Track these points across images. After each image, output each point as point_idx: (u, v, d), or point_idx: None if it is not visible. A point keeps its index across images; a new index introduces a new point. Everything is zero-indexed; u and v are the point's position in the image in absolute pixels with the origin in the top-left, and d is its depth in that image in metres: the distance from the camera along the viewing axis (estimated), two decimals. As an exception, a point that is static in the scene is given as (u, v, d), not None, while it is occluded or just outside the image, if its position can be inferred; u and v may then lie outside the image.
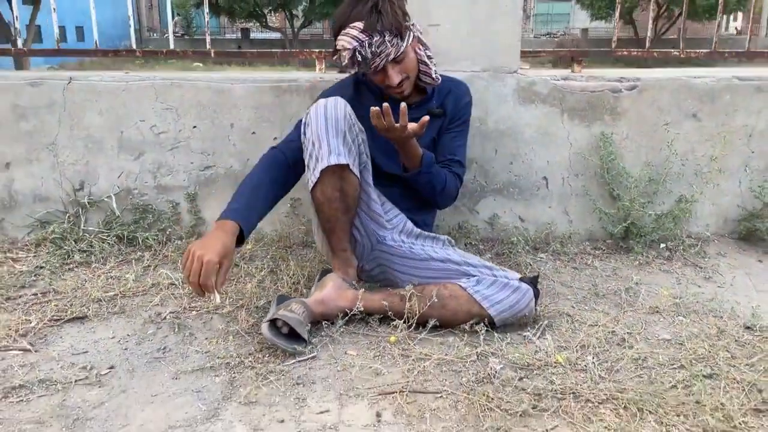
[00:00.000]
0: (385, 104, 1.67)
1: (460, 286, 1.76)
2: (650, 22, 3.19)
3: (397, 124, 1.69)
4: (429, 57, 1.90)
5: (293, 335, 1.63)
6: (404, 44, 1.80)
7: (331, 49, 1.91)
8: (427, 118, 1.73)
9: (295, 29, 22.27)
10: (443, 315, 1.74)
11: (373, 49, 1.76)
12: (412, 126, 1.71)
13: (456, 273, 1.82)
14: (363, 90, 1.98)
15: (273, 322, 1.63)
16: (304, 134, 1.76)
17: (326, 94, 1.96)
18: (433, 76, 1.92)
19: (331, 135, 1.71)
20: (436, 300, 1.72)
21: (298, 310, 1.67)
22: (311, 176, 1.75)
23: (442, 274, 1.83)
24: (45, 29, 17.84)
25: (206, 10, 2.44)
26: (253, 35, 25.11)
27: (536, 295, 1.79)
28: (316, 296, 1.77)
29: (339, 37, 1.81)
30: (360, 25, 1.76)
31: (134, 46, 2.51)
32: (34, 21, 15.37)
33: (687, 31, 23.69)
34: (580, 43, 22.56)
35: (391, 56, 1.79)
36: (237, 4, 19.12)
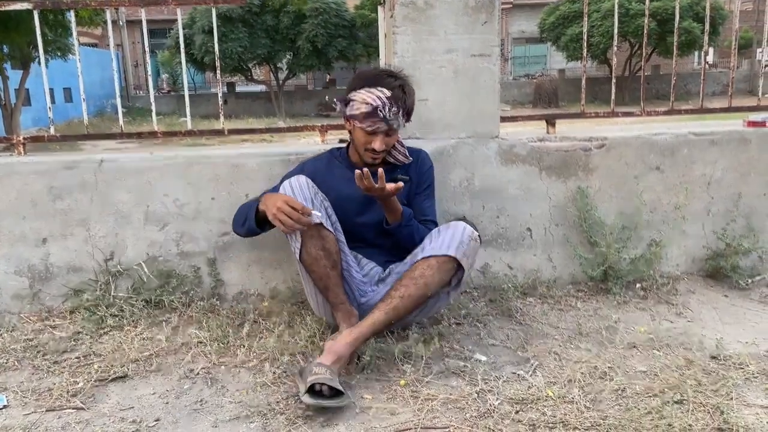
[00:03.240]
0: (365, 169, 1.98)
1: (416, 259, 2.03)
2: (614, 63, 3.49)
3: (377, 185, 1.99)
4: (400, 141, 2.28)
5: (333, 393, 1.77)
6: (404, 125, 2.17)
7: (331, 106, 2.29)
8: (401, 184, 2.03)
9: (280, 82, 22.81)
10: (418, 283, 1.98)
11: (389, 116, 2.08)
12: (389, 186, 2.01)
13: (410, 262, 2.08)
14: (335, 162, 2.32)
15: (312, 389, 1.76)
16: None
17: (303, 163, 2.37)
18: (406, 155, 2.27)
19: (301, 201, 1.99)
20: (405, 279, 1.99)
21: (320, 370, 1.81)
22: (296, 246, 2.02)
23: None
24: (34, 91, 18.21)
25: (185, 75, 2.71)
26: (238, 89, 25.61)
27: (470, 224, 2.06)
28: (325, 352, 1.93)
29: (362, 91, 2.11)
30: (388, 92, 2.08)
31: (121, 118, 2.80)
32: (23, 84, 15.68)
33: (660, 69, 24.46)
34: (558, 83, 23.18)
35: (393, 127, 2.12)
36: (222, 60, 19.61)
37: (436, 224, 2.27)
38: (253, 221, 2.12)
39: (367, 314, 2.01)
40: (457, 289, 2.14)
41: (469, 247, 2.01)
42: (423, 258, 2.00)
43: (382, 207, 2.13)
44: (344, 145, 2.40)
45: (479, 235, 2.08)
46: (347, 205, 2.21)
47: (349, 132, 2.25)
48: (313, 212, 1.99)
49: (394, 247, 2.24)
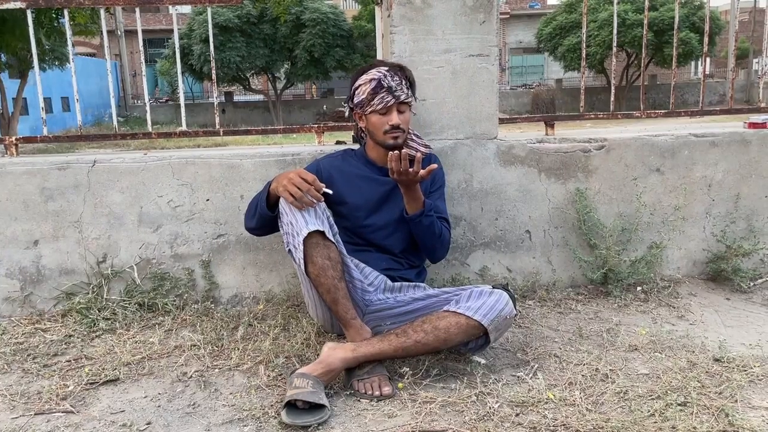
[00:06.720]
0: (404, 151, 1.99)
1: (445, 309, 1.95)
2: (614, 70, 3.48)
3: (411, 169, 1.99)
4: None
5: (313, 407, 1.72)
6: (412, 96, 2.19)
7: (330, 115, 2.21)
8: (434, 165, 2.03)
9: (278, 91, 22.83)
10: (438, 337, 1.90)
11: (393, 85, 2.11)
12: (421, 172, 2.01)
13: (438, 302, 2.03)
14: (350, 161, 2.29)
15: (288, 404, 1.72)
16: (282, 225, 2.01)
17: (318, 161, 2.32)
18: (426, 144, 2.26)
19: (303, 212, 1.95)
20: (427, 324, 1.90)
21: (301, 383, 1.76)
22: (299, 256, 1.93)
23: (428, 310, 2.01)
24: (32, 100, 18.19)
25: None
26: (236, 98, 25.61)
27: (512, 298, 1.98)
28: (317, 361, 1.87)
29: (362, 76, 2.17)
30: (385, 68, 2.15)
31: (115, 120, 2.78)
32: (21, 94, 15.69)
33: (657, 78, 24.55)
34: (555, 93, 23.26)
35: (402, 97, 2.13)
36: (221, 70, 19.62)
37: (449, 223, 2.26)
38: (264, 202, 2.07)
39: (377, 338, 1.94)
40: (471, 352, 2.06)
41: (504, 323, 1.94)
42: (454, 312, 1.92)
43: (405, 195, 2.11)
44: (354, 146, 2.41)
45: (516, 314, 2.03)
46: (361, 203, 2.19)
47: (362, 134, 2.29)
48: (324, 189, 2.00)
49: (401, 252, 2.22)
